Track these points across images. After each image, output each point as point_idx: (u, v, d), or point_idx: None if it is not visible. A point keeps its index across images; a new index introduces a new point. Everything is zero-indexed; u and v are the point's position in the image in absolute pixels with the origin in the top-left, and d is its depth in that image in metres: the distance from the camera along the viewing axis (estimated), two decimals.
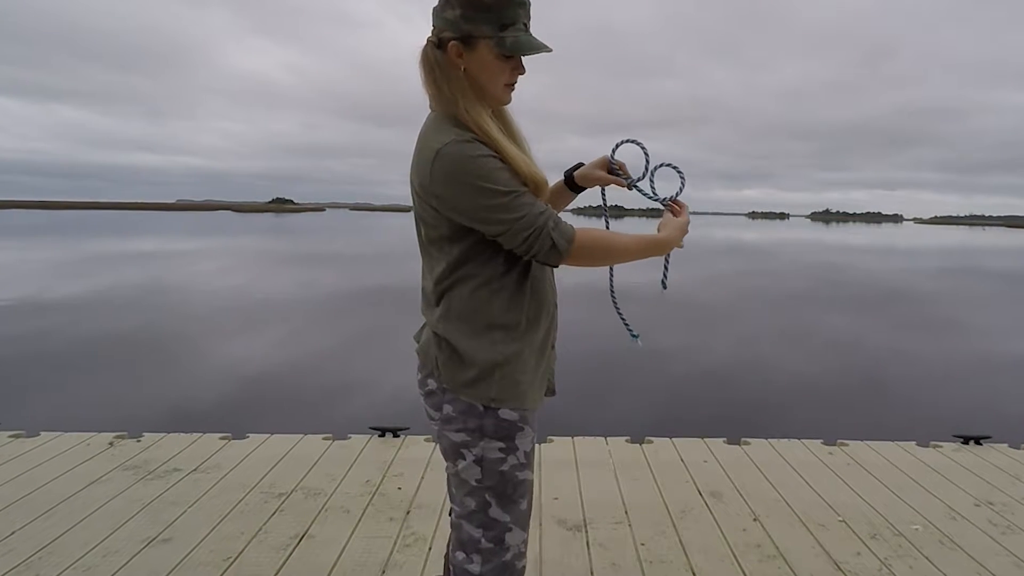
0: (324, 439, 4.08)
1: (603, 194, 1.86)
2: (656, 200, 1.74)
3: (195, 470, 3.58)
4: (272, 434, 4.13)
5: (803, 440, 4.19)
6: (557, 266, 1.56)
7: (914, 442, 4.20)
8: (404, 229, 58.95)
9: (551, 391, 1.75)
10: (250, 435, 4.12)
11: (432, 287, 1.59)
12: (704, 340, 10.02)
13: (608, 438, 4.12)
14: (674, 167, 1.75)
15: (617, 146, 1.78)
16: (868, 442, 4.18)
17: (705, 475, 3.62)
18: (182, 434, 4.12)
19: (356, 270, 20.54)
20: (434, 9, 1.52)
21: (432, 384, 1.61)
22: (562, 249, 1.49)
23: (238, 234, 44.55)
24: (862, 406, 6.80)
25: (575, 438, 4.10)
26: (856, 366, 8.61)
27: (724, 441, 4.14)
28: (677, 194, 1.73)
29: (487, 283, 1.54)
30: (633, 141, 1.75)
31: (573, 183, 1.88)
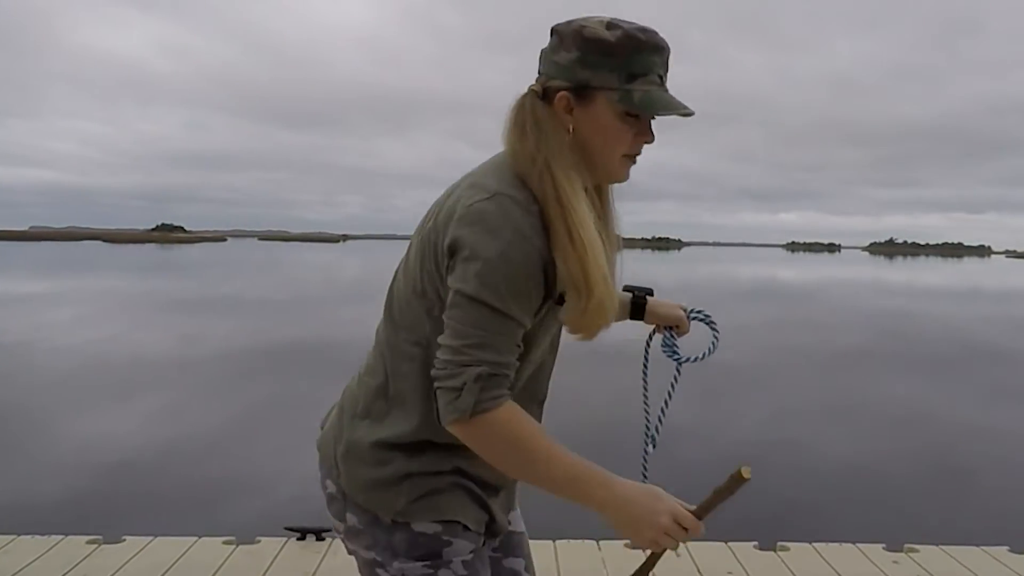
0: (225, 543, 4.09)
1: (647, 347, 2.01)
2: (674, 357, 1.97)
3: None
4: (156, 536, 4.14)
5: (859, 544, 4.29)
6: (439, 424, 1.45)
7: (1006, 547, 4.29)
8: (325, 265, 58.73)
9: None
10: (127, 538, 4.11)
11: (381, 385, 1.58)
12: (726, 414, 10.09)
13: (601, 542, 4.16)
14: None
15: (699, 315, 2.04)
16: (945, 547, 4.27)
17: None
18: (37, 537, 4.10)
19: (263, 319, 20.38)
20: (543, 51, 1.52)
21: (331, 486, 1.62)
22: (461, 411, 1.38)
23: (107, 271, 44.02)
24: (937, 500, 6.88)
25: (557, 542, 4.14)
26: (929, 448, 8.71)
27: (755, 546, 4.22)
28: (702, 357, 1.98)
29: None
30: (710, 324, 2.01)
31: (640, 308, 2.02)
